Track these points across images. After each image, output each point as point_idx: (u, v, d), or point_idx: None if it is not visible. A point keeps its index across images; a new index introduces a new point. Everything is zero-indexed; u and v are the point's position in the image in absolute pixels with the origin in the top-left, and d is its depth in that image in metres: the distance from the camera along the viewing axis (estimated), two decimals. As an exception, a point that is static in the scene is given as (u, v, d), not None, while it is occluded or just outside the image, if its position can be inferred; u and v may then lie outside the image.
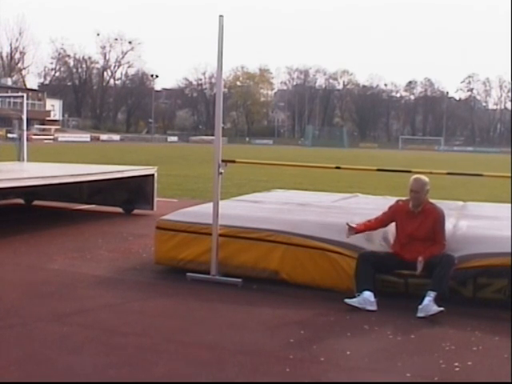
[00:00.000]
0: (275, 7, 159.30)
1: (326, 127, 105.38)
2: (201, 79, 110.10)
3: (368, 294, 4.98)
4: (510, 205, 7.27)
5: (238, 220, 6.04)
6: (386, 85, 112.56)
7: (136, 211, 10.48)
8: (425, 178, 5.44)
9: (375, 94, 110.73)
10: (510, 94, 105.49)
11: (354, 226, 5.39)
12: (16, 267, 6.25)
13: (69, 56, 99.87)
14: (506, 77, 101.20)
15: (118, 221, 9.76)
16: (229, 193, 10.01)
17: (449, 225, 5.69)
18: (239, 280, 5.67)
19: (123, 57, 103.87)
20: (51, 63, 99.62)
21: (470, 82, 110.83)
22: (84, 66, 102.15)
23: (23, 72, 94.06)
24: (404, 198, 5.60)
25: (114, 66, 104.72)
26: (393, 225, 5.57)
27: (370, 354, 4.03)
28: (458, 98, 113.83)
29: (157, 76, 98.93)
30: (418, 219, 5.36)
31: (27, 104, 19.71)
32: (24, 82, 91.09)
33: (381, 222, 5.54)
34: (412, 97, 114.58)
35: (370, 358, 3.96)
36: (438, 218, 5.36)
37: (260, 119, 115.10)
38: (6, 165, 10.63)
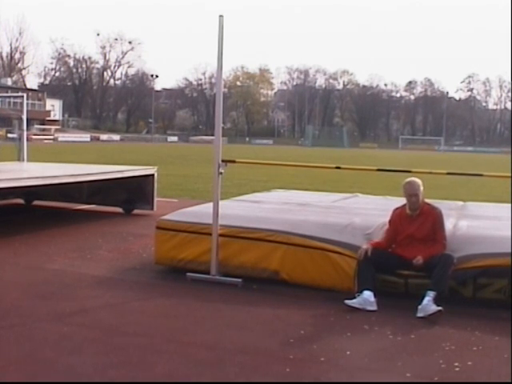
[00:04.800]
0: (275, 7, 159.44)
1: (325, 127, 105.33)
2: (201, 79, 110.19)
3: (368, 294, 4.98)
4: (509, 205, 7.28)
5: (238, 220, 6.04)
6: (386, 85, 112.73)
7: (136, 211, 10.48)
8: (416, 179, 5.46)
9: (375, 94, 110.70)
10: (510, 94, 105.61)
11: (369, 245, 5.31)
12: (16, 267, 6.25)
13: (69, 56, 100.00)
14: (506, 77, 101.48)
15: (118, 221, 9.76)
16: (229, 193, 9.99)
17: (449, 225, 5.69)
18: (239, 280, 5.67)
19: (123, 57, 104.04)
20: (51, 63, 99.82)
21: (470, 82, 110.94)
22: (84, 66, 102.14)
23: (23, 72, 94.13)
24: (399, 205, 5.61)
25: (114, 66, 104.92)
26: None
27: (370, 353, 4.03)
28: (458, 98, 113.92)
29: (157, 76, 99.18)
30: (417, 221, 5.38)
31: (27, 104, 19.72)
32: (24, 81, 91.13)
33: (389, 237, 5.48)
34: (412, 97, 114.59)
35: (370, 357, 3.96)
36: (437, 217, 5.39)
37: (260, 119, 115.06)
38: (5, 165, 10.63)
